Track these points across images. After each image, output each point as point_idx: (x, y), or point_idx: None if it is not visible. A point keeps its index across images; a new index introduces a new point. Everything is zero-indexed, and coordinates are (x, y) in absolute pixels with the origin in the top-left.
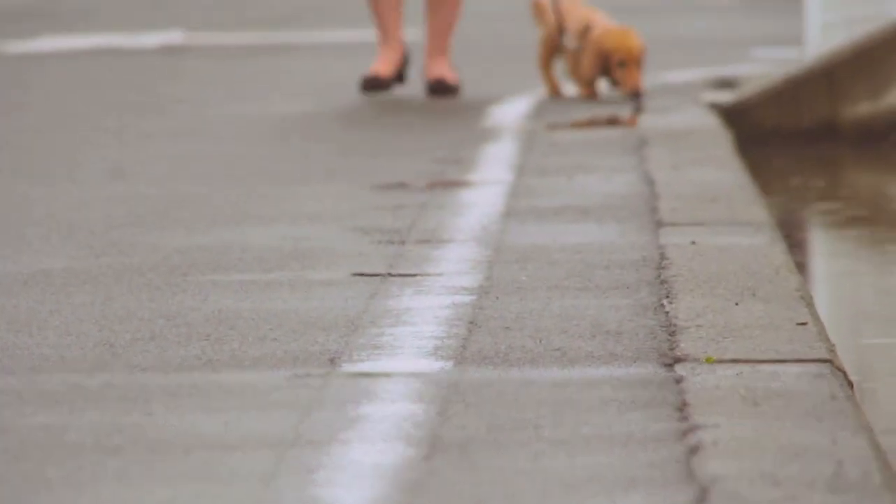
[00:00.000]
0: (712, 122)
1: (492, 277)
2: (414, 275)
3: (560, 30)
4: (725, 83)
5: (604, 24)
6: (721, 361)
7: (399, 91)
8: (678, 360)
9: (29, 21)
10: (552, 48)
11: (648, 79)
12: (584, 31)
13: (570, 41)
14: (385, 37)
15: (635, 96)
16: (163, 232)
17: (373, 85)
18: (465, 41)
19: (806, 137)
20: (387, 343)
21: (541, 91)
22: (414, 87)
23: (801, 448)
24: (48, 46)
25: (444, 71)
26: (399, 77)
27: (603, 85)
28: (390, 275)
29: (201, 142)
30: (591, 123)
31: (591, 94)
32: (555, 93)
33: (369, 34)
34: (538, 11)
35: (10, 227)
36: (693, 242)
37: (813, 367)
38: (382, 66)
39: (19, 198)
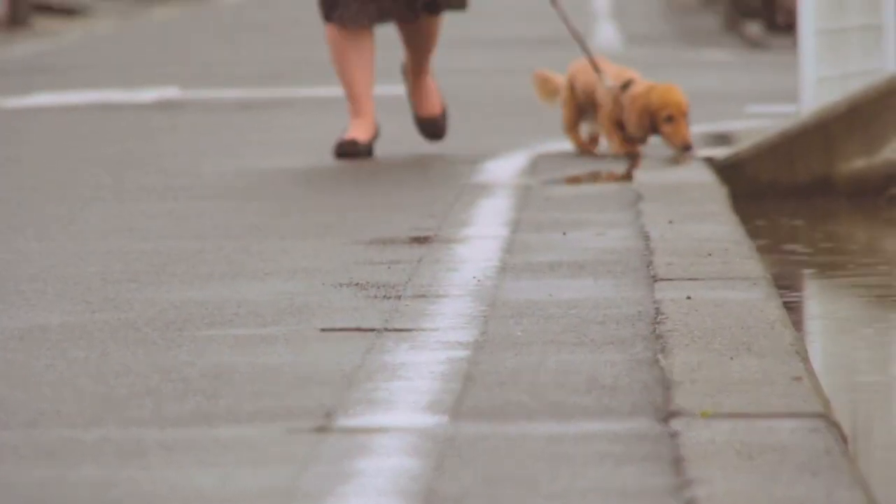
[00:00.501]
0: (708, 177)
1: (487, 332)
2: (409, 329)
3: (585, 89)
4: (721, 138)
5: (644, 81)
6: (716, 416)
7: (395, 144)
8: (673, 414)
9: (25, 76)
10: (578, 111)
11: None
12: (626, 88)
13: (608, 98)
14: (357, 108)
15: (686, 150)
16: (159, 287)
17: (349, 150)
18: (460, 96)
19: (801, 192)
20: (382, 398)
21: (535, 146)
22: (410, 140)
23: (796, 502)
24: (44, 101)
25: (432, 107)
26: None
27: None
28: (386, 329)
29: (196, 197)
30: (587, 178)
31: (633, 150)
32: (587, 150)
33: None
34: (543, 83)
35: (6, 282)
36: (688, 297)
37: (808, 422)
38: (359, 132)
39: (15, 252)
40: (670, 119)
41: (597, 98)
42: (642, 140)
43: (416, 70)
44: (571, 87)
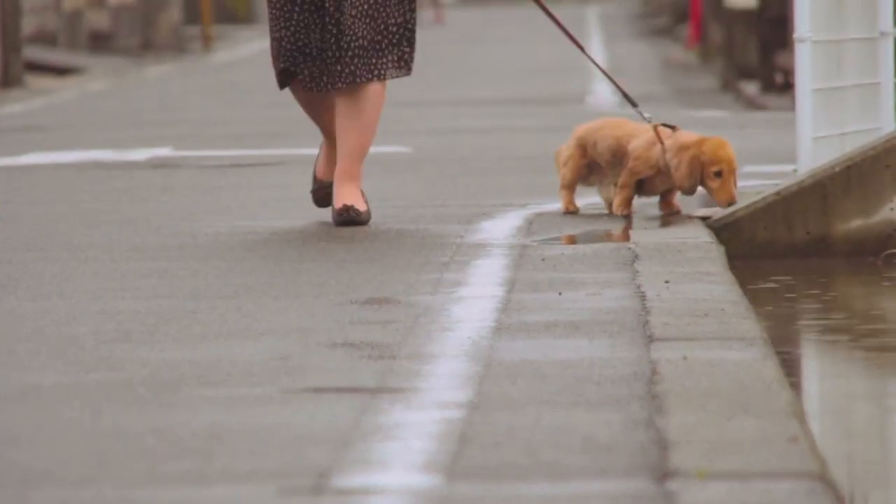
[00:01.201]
0: (705, 237)
1: (482, 392)
2: (404, 389)
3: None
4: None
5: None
6: (713, 476)
7: (389, 204)
8: (670, 475)
9: (18, 135)
10: (582, 172)
11: (639, 201)
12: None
13: (640, 152)
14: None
15: (730, 205)
16: (152, 346)
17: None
18: (456, 155)
19: (798, 252)
20: (377, 458)
21: (531, 205)
22: (404, 198)
23: None
24: (37, 160)
25: (354, 198)
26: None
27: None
28: (380, 389)
29: (190, 256)
30: (583, 238)
31: (630, 212)
32: (572, 212)
33: None
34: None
35: None
36: (685, 357)
37: (804, 483)
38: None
39: (8, 312)
40: (719, 175)
41: (627, 151)
42: (690, 191)
43: (345, 175)
44: (582, 147)
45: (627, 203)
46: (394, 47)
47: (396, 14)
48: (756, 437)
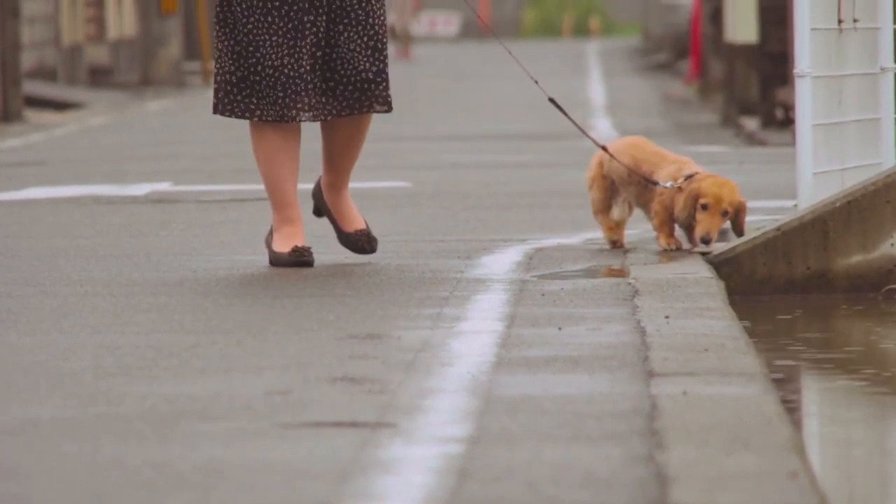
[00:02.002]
0: (705, 272)
1: (482, 427)
2: (403, 424)
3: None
4: (718, 234)
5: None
6: None
7: (389, 239)
8: None
9: (17, 170)
10: (610, 192)
11: (640, 230)
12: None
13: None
14: (287, 214)
15: (705, 242)
16: (151, 381)
17: (304, 259)
18: (456, 190)
19: (798, 287)
20: (376, 493)
21: (531, 241)
22: (404, 233)
23: None
24: (37, 195)
25: (358, 220)
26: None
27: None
28: (380, 424)
29: (189, 291)
30: (583, 273)
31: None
32: (616, 238)
33: (360, 185)
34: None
35: None
36: (684, 393)
37: None
38: (300, 238)
39: (7, 347)
40: (705, 208)
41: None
42: (685, 223)
43: (341, 184)
44: (601, 164)
45: (669, 236)
46: (387, 75)
47: (386, 44)
48: (756, 473)
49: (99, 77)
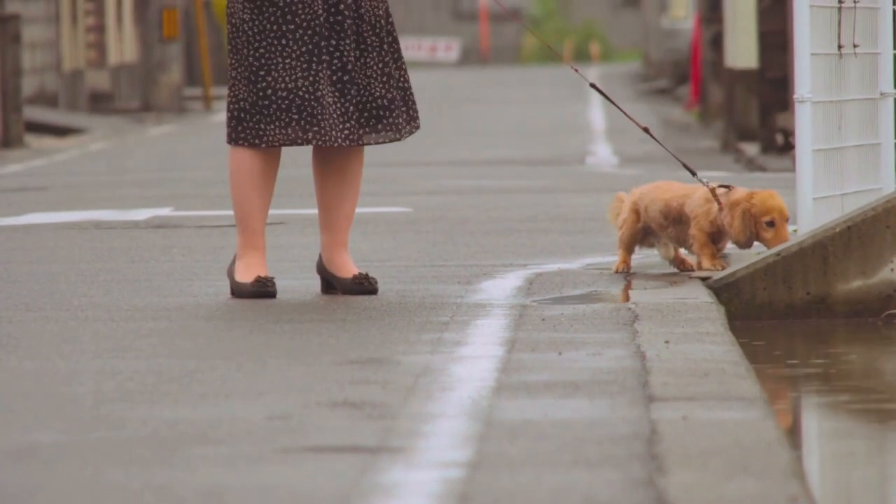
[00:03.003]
0: (704, 297)
1: (482, 452)
2: (404, 449)
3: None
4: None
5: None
6: None
7: (390, 264)
8: None
9: (18, 195)
10: (639, 233)
11: (643, 254)
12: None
13: (700, 210)
14: (253, 242)
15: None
16: (152, 406)
17: (267, 290)
18: (456, 216)
19: (798, 313)
20: None
21: (531, 266)
22: (404, 258)
23: None
24: (38, 220)
25: (352, 267)
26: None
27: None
28: (380, 449)
29: (190, 316)
30: (584, 298)
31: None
32: (626, 270)
33: (361, 211)
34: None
35: None
36: (684, 417)
37: None
38: (263, 268)
39: (8, 371)
40: (772, 224)
41: (685, 212)
42: (746, 245)
43: (341, 245)
44: (636, 212)
45: (713, 257)
46: (408, 102)
47: (403, 71)
48: (756, 497)
49: (100, 102)
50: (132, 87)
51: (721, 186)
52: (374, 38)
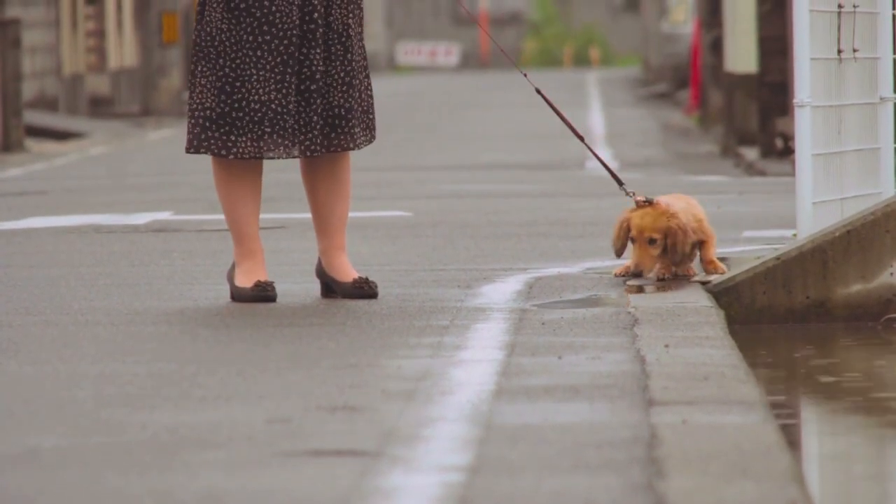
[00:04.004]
0: (704, 301)
1: (482, 456)
2: (404, 453)
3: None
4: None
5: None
6: None
7: (389, 268)
8: None
9: (18, 199)
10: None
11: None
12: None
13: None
14: (249, 247)
15: (636, 274)
16: (152, 410)
17: (267, 294)
18: (455, 220)
19: (798, 317)
20: None
21: (531, 270)
22: (404, 263)
23: None
24: (37, 224)
25: (352, 271)
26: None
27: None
28: (380, 453)
29: (190, 320)
30: (583, 302)
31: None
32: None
33: (361, 215)
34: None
35: None
36: (684, 421)
37: None
38: (263, 273)
39: (8, 376)
40: (634, 241)
41: (706, 231)
42: (618, 254)
43: (338, 249)
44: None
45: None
46: (367, 113)
47: (368, 82)
48: (755, 501)
49: (100, 107)
50: (132, 92)
51: (646, 201)
52: (339, 46)
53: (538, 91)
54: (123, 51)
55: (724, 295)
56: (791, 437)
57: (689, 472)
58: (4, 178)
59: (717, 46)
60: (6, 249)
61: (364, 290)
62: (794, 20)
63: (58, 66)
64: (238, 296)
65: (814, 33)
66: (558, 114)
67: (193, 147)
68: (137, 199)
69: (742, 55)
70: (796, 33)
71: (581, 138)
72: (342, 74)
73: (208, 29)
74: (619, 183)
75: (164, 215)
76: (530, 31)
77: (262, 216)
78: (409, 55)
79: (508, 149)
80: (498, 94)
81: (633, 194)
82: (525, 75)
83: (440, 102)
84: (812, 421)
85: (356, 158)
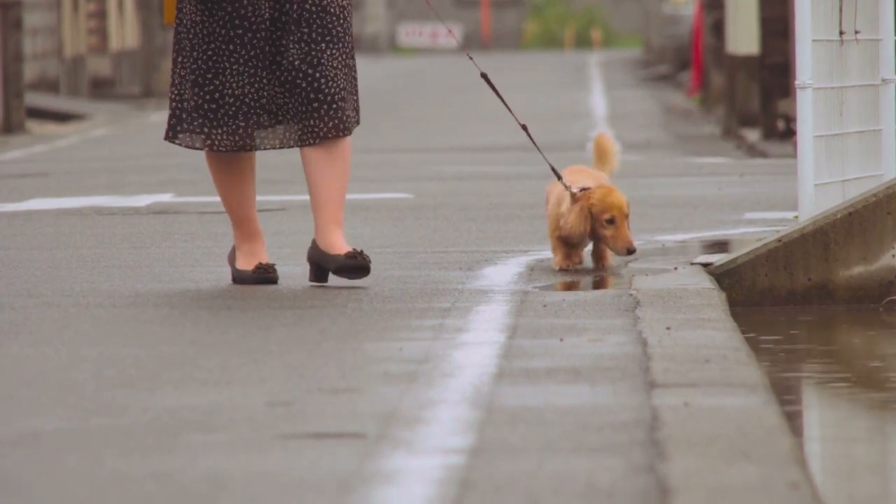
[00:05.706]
0: (706, 284)
1: (483, 438)
2: (405, 435)
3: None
4: (719, 245)
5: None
6: None
7: (391, 250)
8: None
9: (19, 181)
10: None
11: (644, 240)
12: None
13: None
14: (248, 230)
15: (630, 253)
16: (153, 392)
17: (268, 276)
18: (457, 203)
19: (799, 299)
20: None
21: (532, 252)
22: (405, 245)
23: None
24: (39, 206)
25: (349, 247)
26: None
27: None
28: (382, 435)
29: (191, 302)
30: (584, 285)
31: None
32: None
33: (362, 197)
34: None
35: (0, 388)
36: (686, 403)
37: None
38: (264, 255)
39: (9, 358)
40: (612, 222)
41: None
42: (579, 240)
43: (334, 223)
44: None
45: (563, 259)
46: (353, 95)
47: (354, 65)
48: (757, 484)
49: (101, 88)
50: (133, 73)
51: (582, 190)
52: (339, 28)
53: (483, 75)
54: (125, 32)
55: (725, 277)
56: (793, 420)
57: (690, 454)
58: (5, 159)
59: (718, 28)
60: (7, 231)
61: (357, 259)
62: (796, 1)
63: (59, 47)
64: (239, 278)
65: (815, 15)
66: (501, 99)
67: (169, 136)
68: (139, 181)
69: (744, 37)
70: (798, 15)
71: (524, 127)
72: (342, 57)
73: (184, 21)
74: (558, 177)
75: (166, 197)
76: (531, 12)
77: (262, 198)
78: (410, 36)
79: (510, 131)
80: (499, 76)
81: (570, 187)
82: (471, 58)
83: (441, 84)
84: (813, 403)
85: (357, 139)
